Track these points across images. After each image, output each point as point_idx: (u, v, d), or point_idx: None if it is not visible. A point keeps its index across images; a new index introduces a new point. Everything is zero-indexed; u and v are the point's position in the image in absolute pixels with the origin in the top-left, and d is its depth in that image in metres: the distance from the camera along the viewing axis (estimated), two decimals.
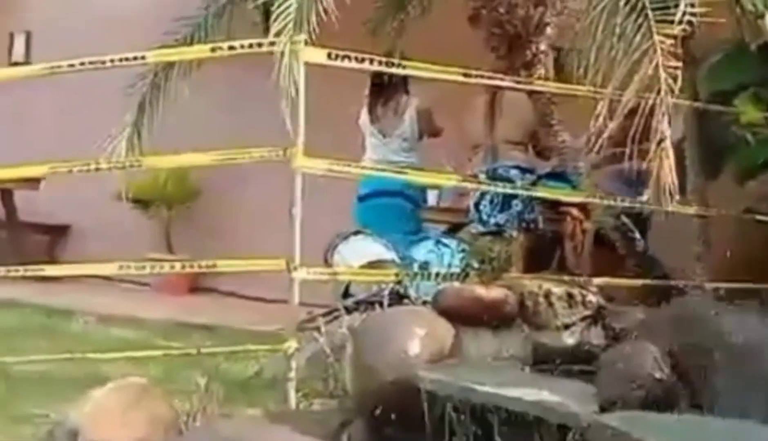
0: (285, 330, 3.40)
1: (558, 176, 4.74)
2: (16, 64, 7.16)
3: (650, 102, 2.93)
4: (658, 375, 2.58)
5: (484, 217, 4.73)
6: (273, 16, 3.22)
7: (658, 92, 2.92)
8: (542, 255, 4.69)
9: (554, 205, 4.73)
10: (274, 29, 3.21)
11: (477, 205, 4.79)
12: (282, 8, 3.20)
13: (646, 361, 2.65)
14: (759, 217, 3.83)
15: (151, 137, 4.00)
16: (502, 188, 4.34)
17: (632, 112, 3.04)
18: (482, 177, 4.66)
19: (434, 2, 4.55)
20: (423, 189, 5.22)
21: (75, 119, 6.65)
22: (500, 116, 4.78)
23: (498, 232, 4.55)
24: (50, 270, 3.74)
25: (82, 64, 3.46)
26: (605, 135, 2.97)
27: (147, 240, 6.65)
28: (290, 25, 3.19)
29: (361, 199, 5.00)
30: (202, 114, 5.96)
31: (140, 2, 6.60)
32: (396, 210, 4.99)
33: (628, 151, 3.05)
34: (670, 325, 2.96)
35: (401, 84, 5.03)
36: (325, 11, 3.31)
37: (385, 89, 5.06)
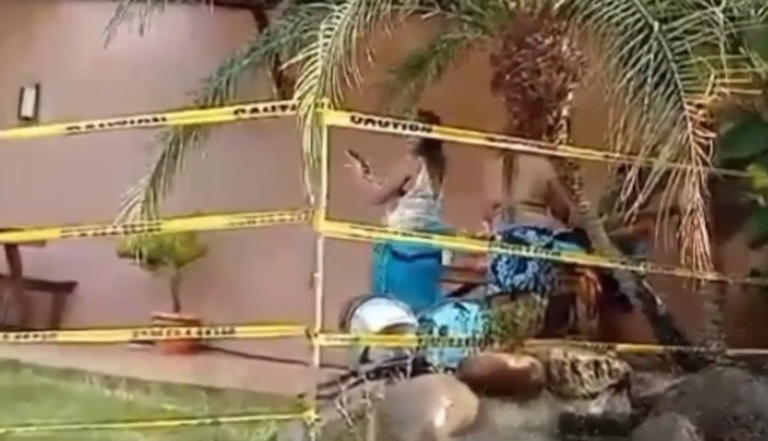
0: (304, 397, 3.31)
1: (572, 238, 4.72)
2: (26, 118, 7.15)
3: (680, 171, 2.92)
4: None
5: (501, 279, 4.70)
6: (298, 80, 3.21)
7: (689, 161, 2.92)
8: (556, 317, 4.64)
9: (569, 266, 4.71)
10: (297, 93, 3.19)
11: (494, 266, 4.75)
12: (306, 72, 3.20)
13: (681, 436, 2.58)
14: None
15: (165, 199, 3.96)
16: (517, 250, 4.31)
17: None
18: (498, 238, 4.64)
19: (450, 66, 4.56)
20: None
21: (86, 175, 6.63)
22: (516, 177, 4.77)
23: (514, 294, 4.50)
24: (62, 337, 3.64)
25: (102, 125, 3.43)
26: (636, 204, 2.96)
27: (154, 297, 6.57)
28: (314, 89, 3.18)
29: (408, 259, 4.94)
30: (216, 174, 5.96)
31: (150, 57, 6.60)
32: (433, 271, 5.02)
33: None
34: (699, 395, 2.90)
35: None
36: (349, 75, 3.30)
37: (437, 152, 5.07)
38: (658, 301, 3.91)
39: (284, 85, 4.05)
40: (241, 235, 5.71)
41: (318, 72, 3.17)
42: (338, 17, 3.20)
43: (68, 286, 7.04)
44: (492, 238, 4.70)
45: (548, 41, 3.74)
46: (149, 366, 5.60)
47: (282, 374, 5.30)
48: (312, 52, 3.15)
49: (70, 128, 3.50)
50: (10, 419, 3.68)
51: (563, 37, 3.73)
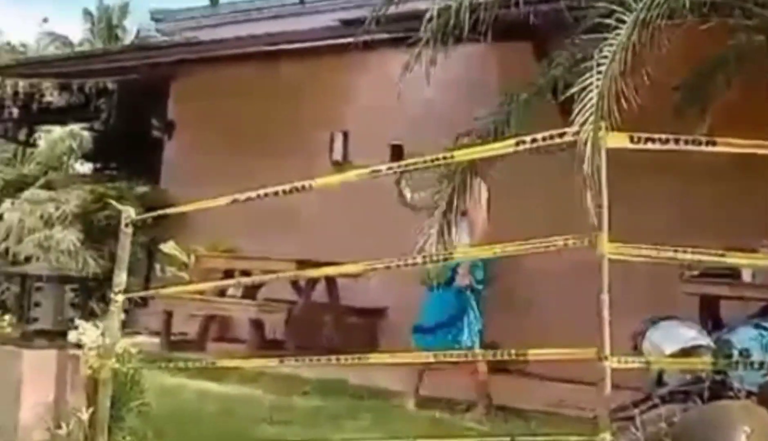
0: (598, 418, 3.34)
1: None
2: (336, 162, 7.90)
3: None
4: None
5: None
6: (576, 108, 3.28)
7: None
8: None
9: None
10: (578, 120, 3.27)
11: None
12: (584, 99, 3.27)
13: None
14: None
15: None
16: None
17: None
18: None
19: (740, 73, 4.31)
20: None
21: (391, 211, 7.20)
22: None
23: None
24: (377, 358, 4.07)
25: (390, 168, 3.76)
26: None
27: None
28: (591, 119, 3.23)
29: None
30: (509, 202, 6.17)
31: (445, 102, 7.00)
32: None
33: None
34: None
35: None
36: (626, 98, 3.31)
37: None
38: None
39: (566, 114, 4.15)
40: (536, 258, 5.84)
41: (594, 100, 3.22)
42: (612, 44, 3.23)
43: (381, 312, 7.68)
44: None
45: None
46: (453, 387, 5.91)
47: (580, 396, 5.32)
48: (587, 81, 3.21)
49: (357, 174, 3.80)
50: (335, 435, 4.13)
51: None
